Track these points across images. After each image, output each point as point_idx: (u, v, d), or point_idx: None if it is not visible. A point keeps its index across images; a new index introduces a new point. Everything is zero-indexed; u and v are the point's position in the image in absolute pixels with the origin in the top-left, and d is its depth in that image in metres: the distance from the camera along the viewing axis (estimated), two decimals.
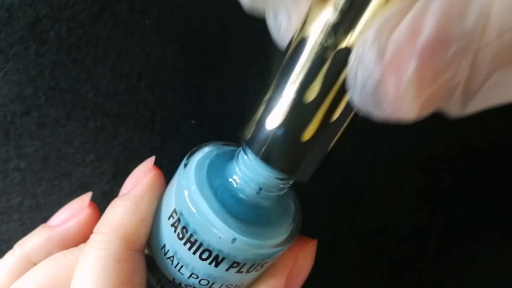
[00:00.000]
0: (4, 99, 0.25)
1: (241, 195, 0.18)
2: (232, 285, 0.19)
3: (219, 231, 0.17)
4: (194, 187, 0.17)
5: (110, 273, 0.17)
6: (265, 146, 0.15)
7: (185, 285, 0.19)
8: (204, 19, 0.25)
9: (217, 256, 0.17)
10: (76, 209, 0.21)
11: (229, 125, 0.26)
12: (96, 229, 0.19)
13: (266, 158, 0.16)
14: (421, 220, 0.28)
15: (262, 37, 0.27)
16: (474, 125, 0.27)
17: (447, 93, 0.12)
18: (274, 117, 0.15)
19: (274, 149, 0.15)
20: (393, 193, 0.28)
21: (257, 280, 0.19)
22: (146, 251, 0.20)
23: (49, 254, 0.20)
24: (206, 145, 0.20)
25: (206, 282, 0.18)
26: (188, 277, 0.18)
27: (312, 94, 0.14)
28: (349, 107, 0.14)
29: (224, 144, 0.20)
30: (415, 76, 0.11)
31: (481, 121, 0.27)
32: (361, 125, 0.27)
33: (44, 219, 0.26)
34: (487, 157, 0.28)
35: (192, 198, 0.17)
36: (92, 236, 0.19)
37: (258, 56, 0.26)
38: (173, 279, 0.19)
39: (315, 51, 0.14)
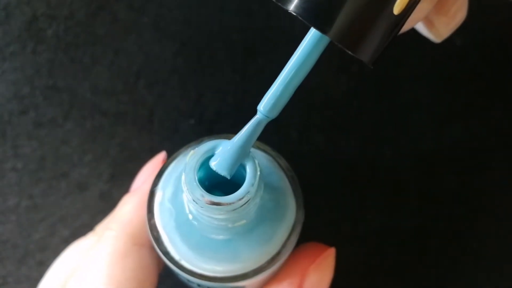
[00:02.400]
0: (1, 99, 0.25)
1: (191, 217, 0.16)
2: None
3: (181, 276, 0.16)
4: (160, 196, 0.17)
5: (116, 268, 0.18)
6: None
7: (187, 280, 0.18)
8: (203, 18, 0.25)
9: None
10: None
11: (229, 126, 0.26)
12: (106, 225, 0.19)
13: (312, 16, 0.12)
14: (424, 221, 0.28)
15: (262, 36, 0.26)
16: (477, 125, 0.27)
17: None
18: None
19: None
20: (395, 193, 0.28)
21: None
22: None
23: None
24: (185, 150, 0.18)
25: None
26: (187, 278, 0.18)
27: None
28: None
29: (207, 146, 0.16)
30: None
31: (484, 121, 0.27)
32: (363, 125, 0.27)
33: (42, 220, 0.26)
34: (490, 158, 0.28)
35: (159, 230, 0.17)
36: (104, 232, 0.19)
37: (258, 55, 0.26)
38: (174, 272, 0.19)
39: None
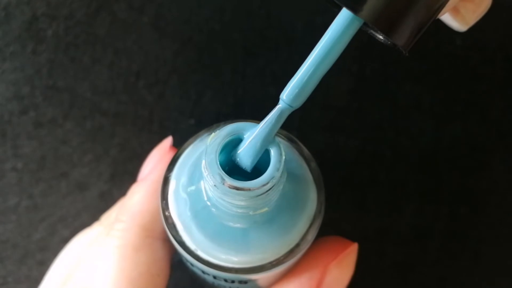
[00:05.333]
0: (1, 99, 0.25)
1: (210, 205, 0.15)
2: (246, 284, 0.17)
3: (199, 270, 0.16)
4: (174, 186, 0.16)
5: (127, 263, 0.17)
6: None
7: (199, 273, 0.18)
8: (203, 17, 0.25)
9: (206, 280, 0.16)
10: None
11: None
12: (115, 217, 0.18)
13: None
14: (424, 221, 0.28)
15: (263, 36, 0.26)
16: (477, 125, 0.27)
17: None
18: None
19: None
20: (396, 193, 0.27)
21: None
22: None
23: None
24: (212, 130, 0.17)
25: (218, 283, 0.17)
26: (202, 273, 0.17)
27: None
28: None
29: (235, 128, 0.15)
30: None
31: (484, 121, 0.27)
32: (363, 125, 0.27)
33: (42, 220, 0.26)
34: (490, 158, 0.27)
35: (165, 212, 0.16)
36: (111, 224, 0.18)
37: (258, 55, 0.26)
38: (187, 265, 0.18)
39: None
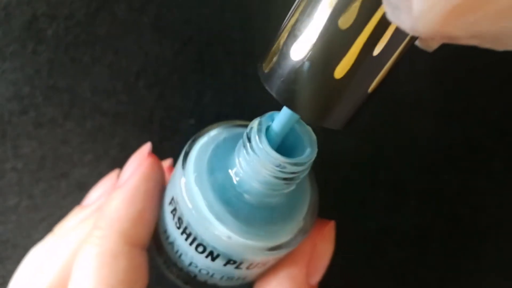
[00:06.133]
0: (1, 99, 0.25)
1: (241, 191, 0.16)
2: (234, 277, 0.18)
3: (213, 228, 0.15)
4: (191, 177, 0.16)
5: (106, 270, 0.17)
6: (286, 83, 0.12)
7: (187, 270, 0.18)
8: (203, 17, 0.25)
9: (212, 252, 0.16)
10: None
11: None
12: (94, 224, 0.18)
13: (288, 99, 0.13)
14: (424, 221, 0.28)
15: (262, 35, 0.26)
16: (478, 124, 0.27)
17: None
18: (301, 47, 0.12)
19: (298, 86, 0.12)
20: (396, 193, 0.27)
21: (274, 269, 0.18)
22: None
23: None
24: (214, 127, 0.18)
25: (206, 272, 0.17)
26: (188, 265, 0.18)
27: (349, 18, 0.11)
28: (396, 36, 0.12)
29: (236, 125, 0.18)
30: None
31: (484, 121, 0.27)
32: (363, 125, 0.27)
33: (42, 220, 0.26)
34: (491, 157, 0.27)
35: (188, 190, 0.16)
36: (91, 230, 0.18)
37: (258, 54, 0.25)
38: (175, 263, 0.18)
39: None
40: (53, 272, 0.19)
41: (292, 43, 0.12)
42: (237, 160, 0.16)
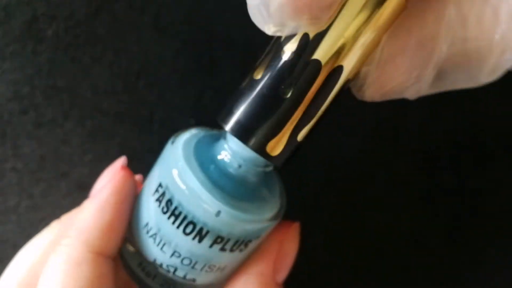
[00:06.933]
0: (1, 99, 0.25)
1: (228, 170, 0.18)
2: (215, 266, 0.18)
3: (204, 202, 0.17)
4: (181, 161, 0.17)
5: (70, 278, 0.17)
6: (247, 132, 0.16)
7: (167, 265, 0.18)
8: (203, 17, 0.25)
9: (201, 230, 0.17)
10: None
11: None
12: (63, 233, 0.19)
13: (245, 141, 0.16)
14: (423, 221, 0.28)
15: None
16: (478, 124, 0.27)
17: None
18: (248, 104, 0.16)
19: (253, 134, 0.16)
20: (395, 193, 0.28)
21: (243, 266, 0.19)
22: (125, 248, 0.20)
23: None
24: (192, 128, 0.20)
25: (188, 262, 0.18)
26: (170, 256, 0.18)
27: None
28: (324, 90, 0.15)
29: (209, 129, 0.20)
30: None
31: (484, 121, 0.27)
32: (363, 124, 0.27)
33: (42, 220, 0.26)
34: (490, 158, 0.28)
35: (180, 171, 0.17)
36: (60, 239, 0.19)
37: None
38: (155, 259, 0.19)
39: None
40: (21, 273, 0.20)
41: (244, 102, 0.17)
42: (225, 145, 0.18)
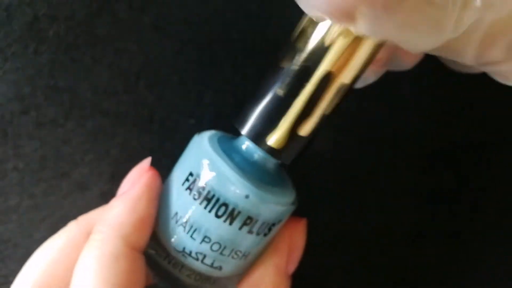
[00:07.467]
0: (2, 99, 0.25)
1: (251, 159, 0.20)
2: (241, 252, 0.19)
3: (235, 186, 0.18)
4: (210, 151, 0.19)
5: (108, 271, 0.17)
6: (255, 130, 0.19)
7: (196, 253, 0.19)
8: (204, 17, 0.25)
9: (232, 211, 0.18)
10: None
11: (229, 125, 0.26)
12: (95, 229, 0.19)
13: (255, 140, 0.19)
14: (423, 221, 0.28)
15: (263, 36, 0.26)
16: (478, 124, 0.27)
17: None
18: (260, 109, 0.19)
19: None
20: (395, 192, 0.28)
21: (260, 259, 0.21)
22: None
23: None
24: (210, 130, 0.22)
25: (218, 247, 0.19)
26: (200, 242, 0.19)
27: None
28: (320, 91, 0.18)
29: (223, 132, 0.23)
30: None
31: (484, 121, 0.27)
32: (363, 125, 0.27)
33: (43, 220, 0.26)
34: (491, 157, 0.27)
35: (210, 160, 0.19)
36: (91, 236, 0.19)
37: (258, 55, 0.26)
38: (184, 248, 0.19)
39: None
40: (37, 273, 0.20)
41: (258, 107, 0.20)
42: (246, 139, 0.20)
